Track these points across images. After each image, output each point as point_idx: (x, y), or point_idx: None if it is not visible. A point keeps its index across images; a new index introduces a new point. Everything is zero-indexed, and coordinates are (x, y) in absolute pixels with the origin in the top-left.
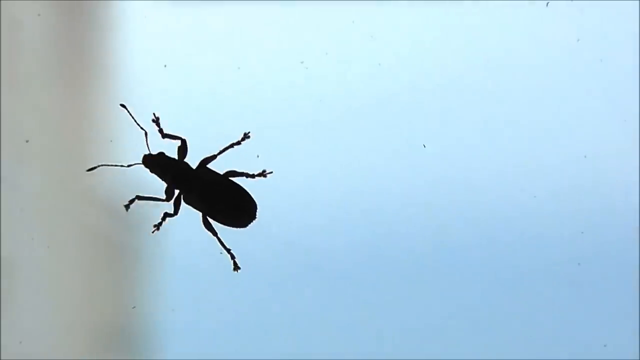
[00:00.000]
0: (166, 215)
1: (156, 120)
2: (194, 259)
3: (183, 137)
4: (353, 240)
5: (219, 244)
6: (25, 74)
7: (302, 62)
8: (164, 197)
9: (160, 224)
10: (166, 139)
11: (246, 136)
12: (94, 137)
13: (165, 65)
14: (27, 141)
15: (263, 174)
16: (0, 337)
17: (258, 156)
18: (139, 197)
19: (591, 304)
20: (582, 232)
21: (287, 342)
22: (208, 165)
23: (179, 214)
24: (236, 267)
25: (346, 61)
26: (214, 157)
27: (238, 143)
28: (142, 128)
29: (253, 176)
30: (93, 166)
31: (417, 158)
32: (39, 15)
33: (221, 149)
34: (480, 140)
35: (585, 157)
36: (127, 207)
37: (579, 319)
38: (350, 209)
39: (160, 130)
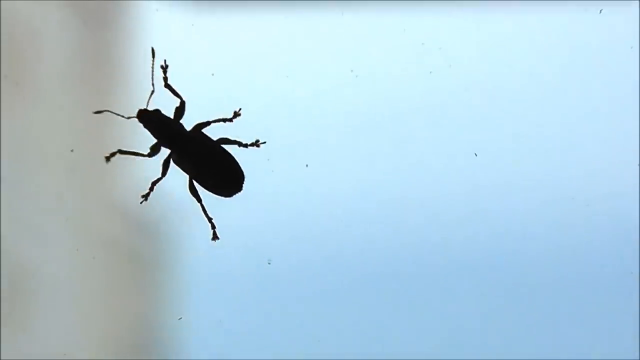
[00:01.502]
0: (154, 183)
1: (164, 68)
2: (212, 266)
3: (184, 99)
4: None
5: (201, 211)
6: (49, 83)
7: (351, 71)
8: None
9: (148, 193)
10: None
11: (236, 114)
12: (116, 144)
13: (212, 74)
14: (72, 150)
15: (256, 143)
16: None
17: (307, 165)
18: (120, 151)
19: (591, 304)
20: (582, 231)
21: (305, 351)
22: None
23: (167, 175)
24: (215, 237)
25: (396, 69)
26: (207, 123)
27: (230, 120)
28: (153, 85)
29: (246, 145)
30: (99, 110)
31: (468, 165)
32: (59, 23)
33: (215, 119)
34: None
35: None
36: (107, 159)
37: (579, 319)
38: (397, 219)
39: (165, 79)
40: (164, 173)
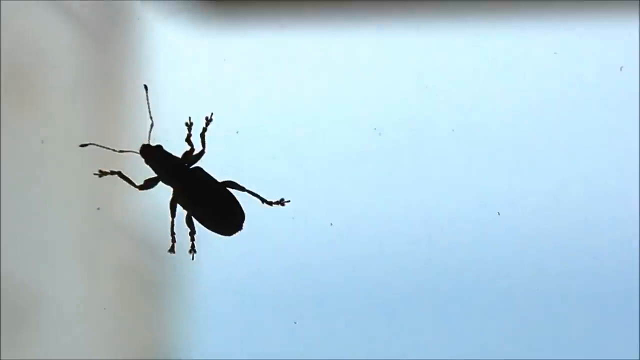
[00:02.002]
0: (172, 229)
1: (189, 125)
2: (224, 290)
3: (205, 150)
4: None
5: (188, 236)
6: (56, 102)
7: (426, 87)
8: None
9: (173, 245)
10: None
11: (208, 120)
12: (127, 168)
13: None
14: (97, 174)
15: (281, 202)
16: None
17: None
18: (120, 174)
19: (591, 304)
20: (582, 232)
21: None
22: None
23: (176, 215)
24: (192, 250)
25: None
26: (202, 152)
27: (204, 129)
28: (150, 118)
29: (271, 203)
30: (84, 143)
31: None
32: (66, 43)
33: (200, 141)
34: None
35: None
36: (101, 174)
37: (579, 318)
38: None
39: (189, 136)
40: (172, 214)
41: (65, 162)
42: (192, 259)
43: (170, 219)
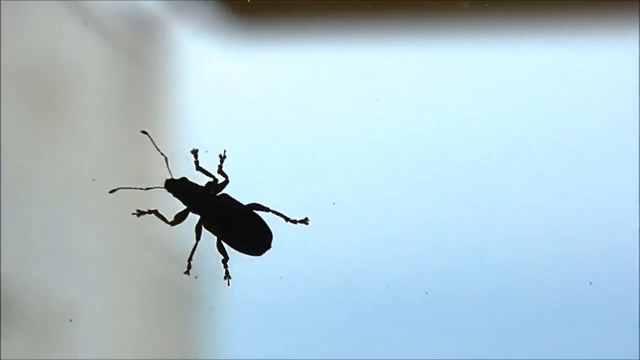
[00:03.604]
0: (192, 251)
1: (194, 152)
2: (253, 303)
3: (216, 177)
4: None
5: (222, 264)
6: (90, 120)
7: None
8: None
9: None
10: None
11: (222, 157)
12: (154, 181)
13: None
14: (93, 179)
15: (305, 221)
16: None
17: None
18: (156, 213)
19: (591, 304)
20: (583, 232)
21: None
22: (230, 195)
23: (201, 238)
24: (227, 277)
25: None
26: (226, 181)
27: (220, 167)
28: (162, 154)
29: (295, 222)
30: (113, 188)
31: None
32: (100, 63)
33: (217, 169)
34: None
35: None
36: (138, 214)
37: (579, 318)
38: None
39: (196, 162)
40: (197, 237)
41: (96, 174)
42: (228, 284)
43: (195, 241)
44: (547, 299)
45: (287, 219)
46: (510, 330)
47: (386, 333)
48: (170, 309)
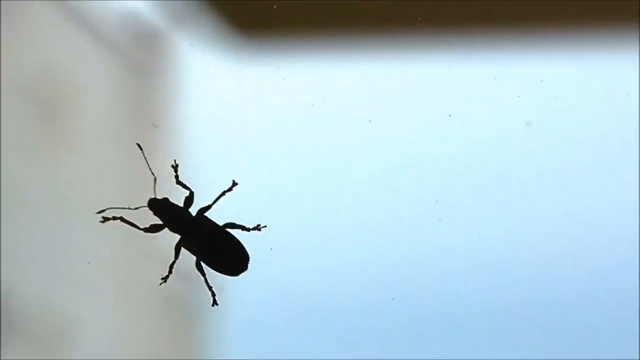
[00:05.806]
0: (171, 266)
1: (175, 167)
2: (257, 317)
3: (192, 190)
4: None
5: (204, 281)
6: (92, 133)
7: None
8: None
9: (167, 276)
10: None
11: (235, 183)
12: (158, 193)
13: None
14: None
15: (257, 227)
16: None
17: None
18: (122, 219)
19: (591, 304)
20: (582, 231)
21: None
22: (207, 215)
23: (179, 258)
24: (215, 303)
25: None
26: (209, 207)
27: (230, 189)
28: (152, 173)
29: (248, 229)
30: (102, 209)
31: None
32: (104, 75)
33: (215, 198)
34: None
35: None
36: (104, 220)
37: (579, 318)
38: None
39: (176, 177)
40: (176, 256)
41: (99, 188)
42: (214, 305)
43: (174, 259)
44: (547, 298)
45: (243, 228)
46: (510, 331)
47: (386, 334)
48: (171, 320)
